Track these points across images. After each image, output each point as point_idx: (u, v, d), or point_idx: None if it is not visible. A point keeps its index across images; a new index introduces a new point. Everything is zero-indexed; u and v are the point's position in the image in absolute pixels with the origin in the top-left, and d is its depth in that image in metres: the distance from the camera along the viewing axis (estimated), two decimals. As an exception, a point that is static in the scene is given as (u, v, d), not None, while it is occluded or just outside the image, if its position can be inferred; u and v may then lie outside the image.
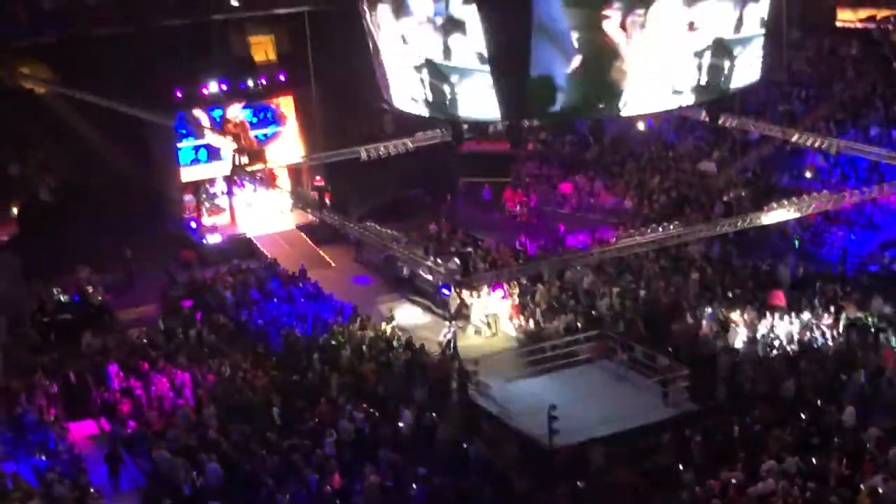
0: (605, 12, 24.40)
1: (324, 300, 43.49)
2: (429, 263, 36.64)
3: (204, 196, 56.39)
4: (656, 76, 25.55)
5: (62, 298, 44.09)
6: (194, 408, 33.77)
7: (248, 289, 44.22)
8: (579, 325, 38.71)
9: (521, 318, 40.52)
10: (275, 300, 43.06)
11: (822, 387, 32.07)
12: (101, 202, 49.63)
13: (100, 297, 44.82)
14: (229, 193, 55.95)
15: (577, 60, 24.96)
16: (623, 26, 24.74)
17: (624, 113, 26.44)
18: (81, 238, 47.67)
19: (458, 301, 41.79)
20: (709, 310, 37.51)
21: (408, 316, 43.25)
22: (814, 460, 27.65)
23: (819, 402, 31.04)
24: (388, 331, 39.64)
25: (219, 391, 34.71)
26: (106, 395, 35.14)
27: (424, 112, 28.18)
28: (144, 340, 39.75)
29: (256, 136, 55.90)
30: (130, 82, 49.21)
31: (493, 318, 40.94)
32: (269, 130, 57.05)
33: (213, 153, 54.21)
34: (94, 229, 48.12)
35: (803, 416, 30.30)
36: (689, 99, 26.57)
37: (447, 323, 41.20)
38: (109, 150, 52.30)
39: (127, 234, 48.90)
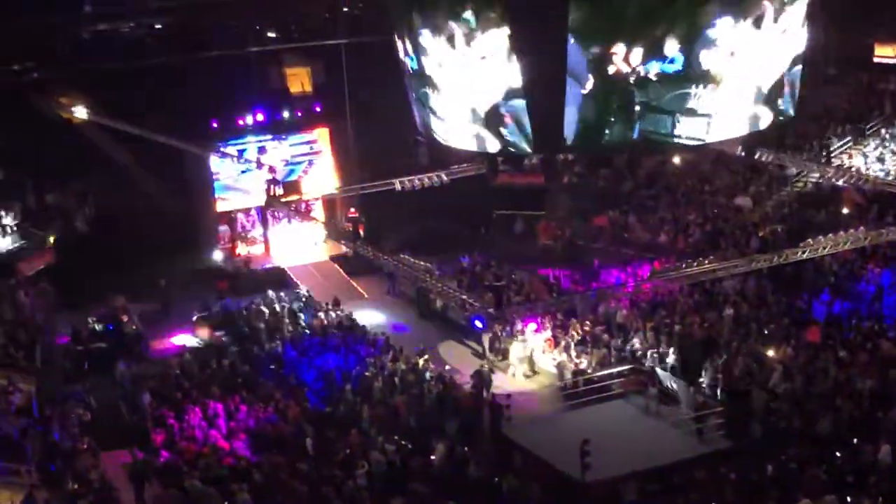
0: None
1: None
2: (462, 296, 36.65)
3: (239, 227, 56.70)
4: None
5: (97, 327, 44.28)
6: (227, 438, 33.77)
7: (280, 319, 44.26)
8: (612, 359, 38.50)
9: (555, 351, 40.27)
10: (307, 332, 43.06)
11: (858, 425, 31.73)
12: (137, 232, 49.98)
13: (134, 327, 45.01)
14: (263, 224, 56.17)
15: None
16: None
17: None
18: (117, 267, 47.99)
19: (492, 334, 41.71)
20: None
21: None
22: (849, 499, 27.34)
23: (855, 440, 30.72)
24: (420, 363, 39.53)
25: (251, 421, 34.72)
26: (139, 425, 35.21)
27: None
28: (178, 370, 39.77)
29: (291, 168, 56.17)
30: (167, 113, 49.69)
31: (529, 355, 40.56)
32: (304, 161, 57.23)
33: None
34: (129, 259, 48.45)
35: (839, 454, 30.00)
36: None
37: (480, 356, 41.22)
38: (145, 179, 52.71)
39: (162, 263, 49.23)
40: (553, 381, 39.22)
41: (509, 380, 39.63)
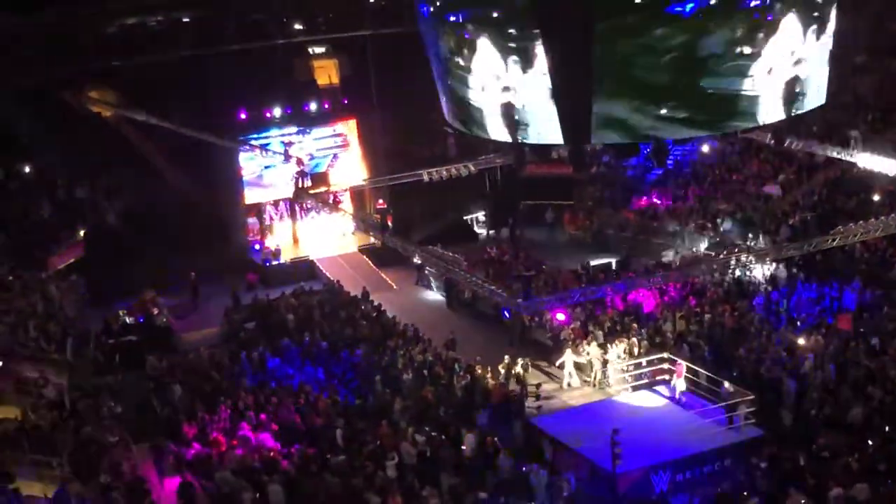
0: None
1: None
2: (491, 287, 36.62)
3: (268, 219, 56.88)
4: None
5: (127, 320, 44.47)
6: (257, 430, 33.86)
7: (311, 311, 44.33)
8: (642, 349, 38.36)
9: (584, 342, 40.13)
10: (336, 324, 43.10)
11: (889, 413, 31.54)
12: (167, 225, 50.18)
13: (164, 319, 45.20)
14: (292, 216, 56.29)
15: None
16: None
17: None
18: (147, 260, 48.22)
19: (520, 325, 41.62)
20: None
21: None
22: (881, 488, 27.22)
23: (887, 428, 30.56)
24: (449, 354, 39.47)
25: (282, 413, 34.78)
26: (170, 417, 35.37)
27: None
28: (209, 363, 39.88)
29: (318, 161, 56.27)
30: (195, 106, 49.88)
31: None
32: (330, 154, 57.30)
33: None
34: (159, 252, 48.66)
35: (870, 442, 29.86)
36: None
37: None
38: (174, 172, 52.91)
39: (192, 256, 49.40)
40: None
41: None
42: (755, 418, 33.12)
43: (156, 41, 52.88)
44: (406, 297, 49.39)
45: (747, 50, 27.63)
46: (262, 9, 54.63)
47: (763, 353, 36.24)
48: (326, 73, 58.51)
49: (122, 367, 40.52)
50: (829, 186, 48.09)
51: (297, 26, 56.06)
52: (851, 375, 33.91)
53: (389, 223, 45.66)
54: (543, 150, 38.61)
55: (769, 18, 27.65)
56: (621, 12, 26.35)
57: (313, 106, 56.43)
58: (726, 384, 34.26)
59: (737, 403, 33.45)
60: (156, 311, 45.47)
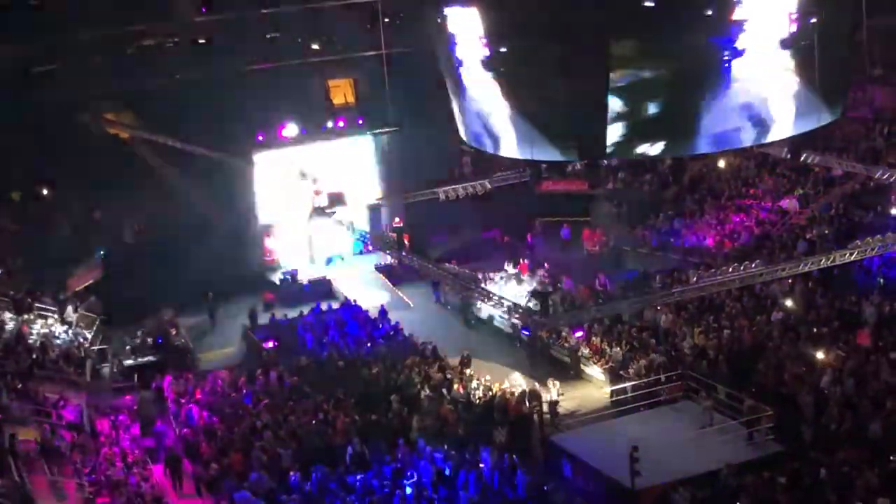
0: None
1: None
2: (508, 304, 36.58)
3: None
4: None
5: (146, 341, 44.53)
6: (275, 448, 33.85)
7: (328, 330, 44.37)
8: (661, 365, 38.24)
9: (602, 359, 40.10)
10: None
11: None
12: (184, 245, 50.28)
13: (182, 339, 45.27)
14: (308, 236, 56.30)
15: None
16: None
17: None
18: (164, 280, 48.31)
19: (539, 343, 41.60)
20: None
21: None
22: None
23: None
24: (468, 373, 39.46)
25: (300, 432, 34.77)
26: (188, 436, 35.39)
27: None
28: (226, 382, 39.93)
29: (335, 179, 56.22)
30: (212, 126, 50.00)
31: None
32: (347, 172, 57.26)
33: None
34: (176, 272, 48.75)
35: (891, 457, 29.72)
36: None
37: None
38: (191, 193, 53.01)
39: (209, 275, 49.46)
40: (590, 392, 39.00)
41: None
42: (775, 434, 33.03)
43: (172, 61, 53.07)
44: (423, 315, 49.33)
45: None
46: (277, 29, 54.78)
47: (782, 368, 36.11)
48: (342, 92, 58.60)
49: (141, 388, 40.64)
50: (847, 200, 47.97)
51: (314, 46, 56.18)
52: (871, 390, 33.76)
53: (406, 241, 45.67)
54: (559, 167, 38.61)
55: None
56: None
57: (329, 124, 56.46)
58: (746, 399, 34.18)
59: (757, 419, 33.36)
60: (174, 332, 45.58)
